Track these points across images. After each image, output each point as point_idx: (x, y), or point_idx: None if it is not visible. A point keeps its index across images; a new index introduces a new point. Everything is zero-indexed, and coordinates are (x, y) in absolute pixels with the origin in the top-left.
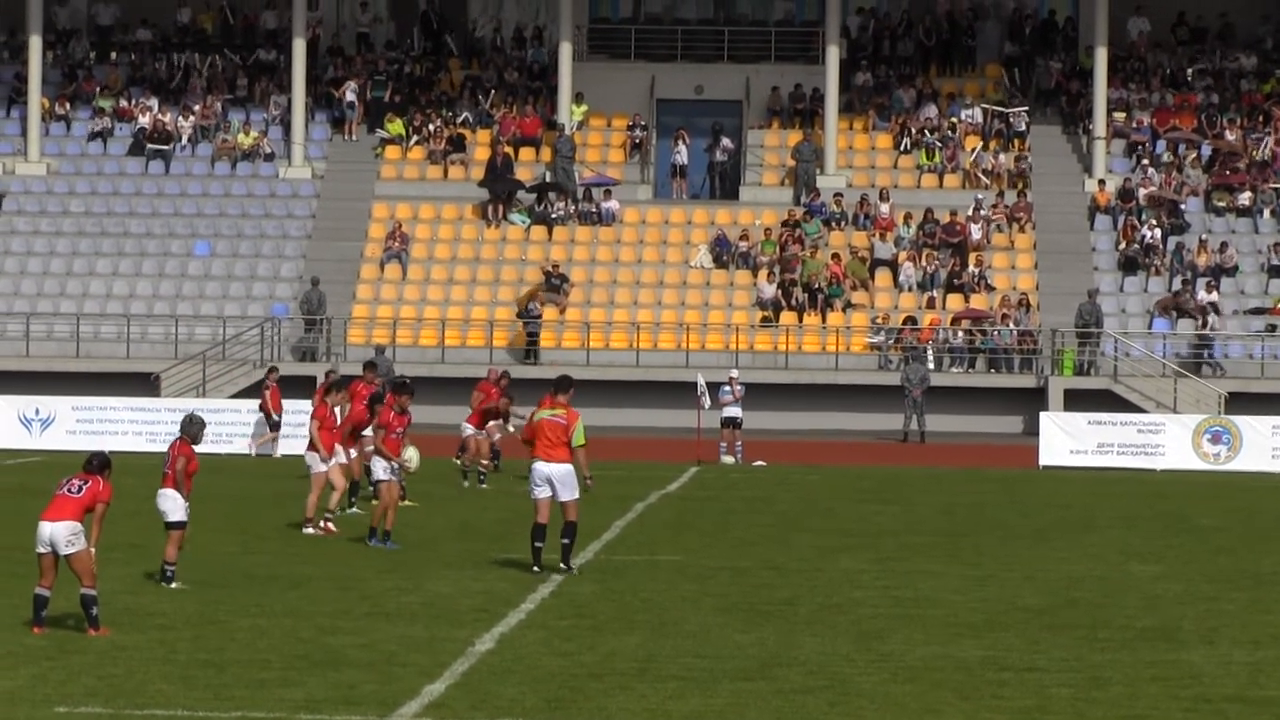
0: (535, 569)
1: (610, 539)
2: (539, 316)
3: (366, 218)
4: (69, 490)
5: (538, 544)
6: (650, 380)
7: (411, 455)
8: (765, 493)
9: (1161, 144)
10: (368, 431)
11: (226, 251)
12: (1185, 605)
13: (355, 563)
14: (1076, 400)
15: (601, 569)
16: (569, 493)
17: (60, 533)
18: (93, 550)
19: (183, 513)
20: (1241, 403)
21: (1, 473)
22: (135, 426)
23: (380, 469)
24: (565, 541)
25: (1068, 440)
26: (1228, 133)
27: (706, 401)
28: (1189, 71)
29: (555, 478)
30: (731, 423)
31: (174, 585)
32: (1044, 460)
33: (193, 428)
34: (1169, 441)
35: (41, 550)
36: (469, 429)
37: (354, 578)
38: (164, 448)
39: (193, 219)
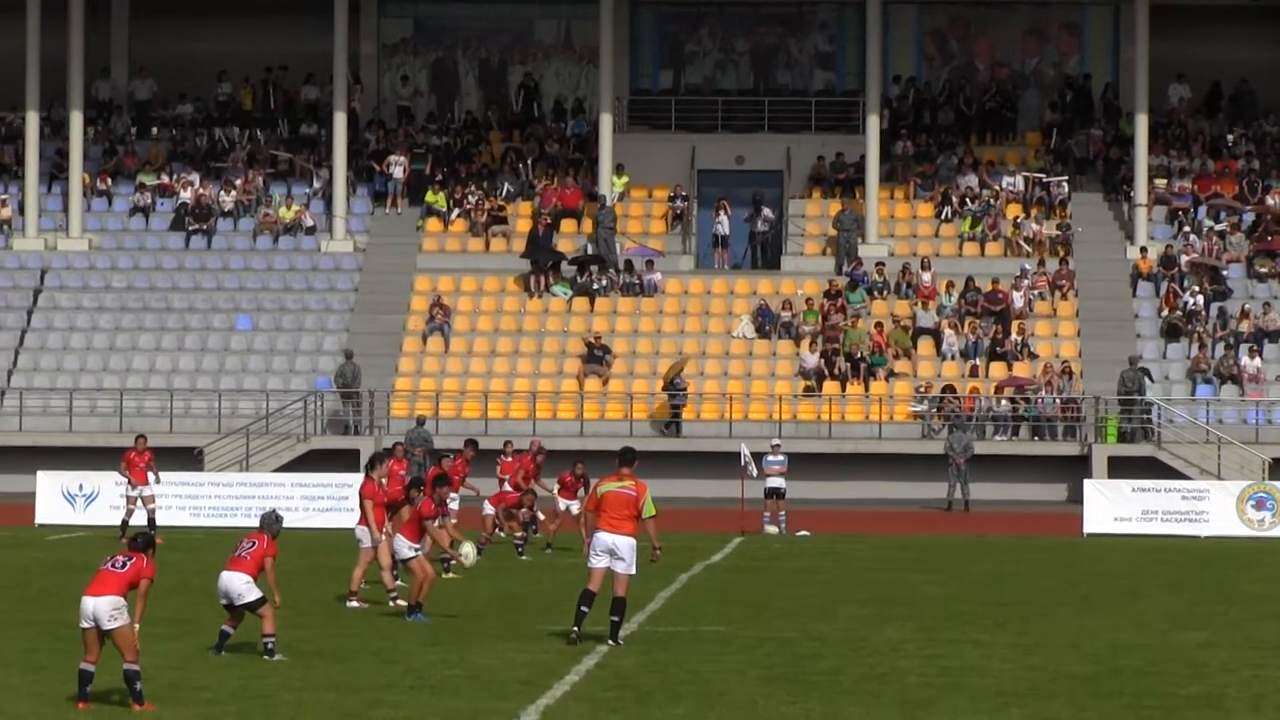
0: (574, 631)
1: (654, 610)
2: (685, 389)
3: (409, 290)
4: (113, 565)
5: (584, 608)
6: (693, 451)
7: (467, 551)
8: (809, 563)
9: (1203, 210)
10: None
11: (269, 325)
12: (1231, 673)
13: (399, 636)
14: (1120, 467)
15: (646, 640)
16: (626, 566)
17: (103, 607)
18: (137, 626)
19: (256, 589)
20: None
21: (45, 547)
22: (179, 501)
23: (405, 547)
24: (614, 619)
25: (1112, 507)
26: (1269, 198)
27: (752, 471)
28: (1229, 138)
29: (620, 549)
30: (775, 493)
31: (276, 657)
32: (1088, 528)
33: (275, 525)
34: (1213, 508)
35: (85, 625)
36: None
37: (398, 651)
38: (207, 521)
39: (235, 293)
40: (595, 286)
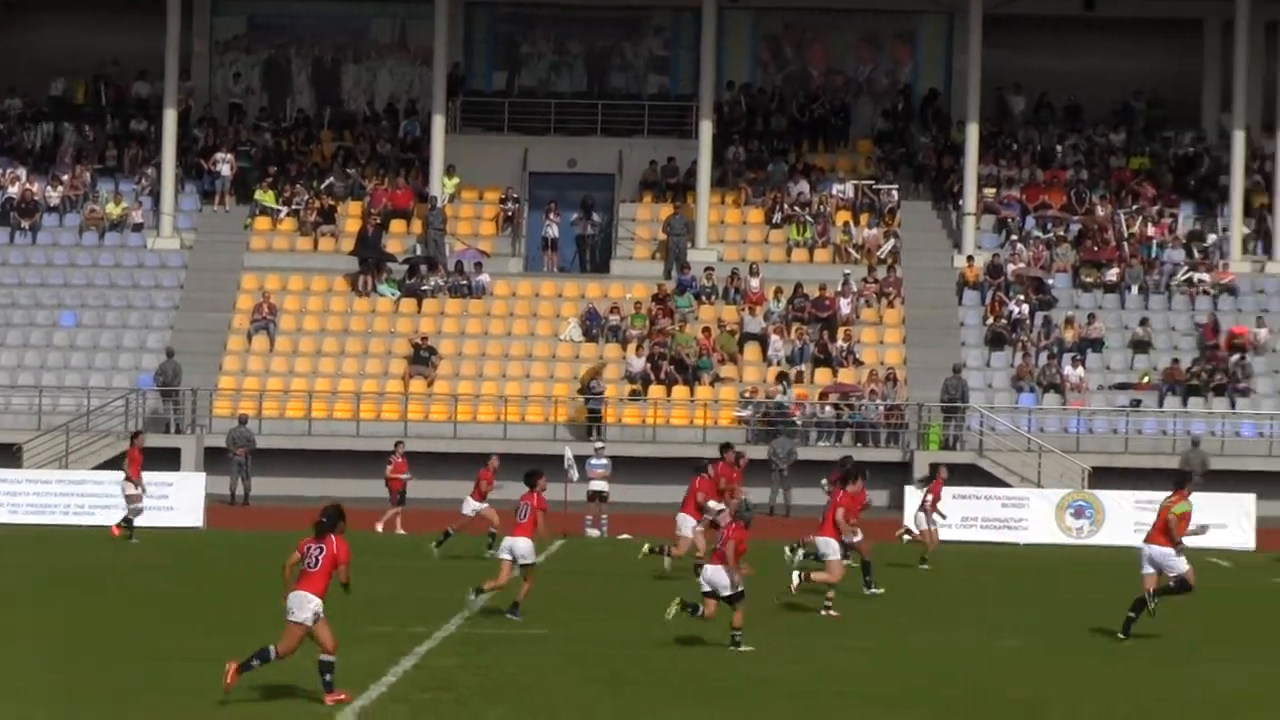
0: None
1: (473, 612)
2: (602, 393)
3: (235, 288)
4: (309, 565)
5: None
6: (517, 453)
7: None
8: (631, 566)
9: (1031, 220)
10: None
11: (93, 322)
12: (1050, 675)
13: (214, 636)
14: None
15: (465, 641)
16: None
17: (298, 603)
18: (347, 581)
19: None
20: (1104, 477)
21: None
22: None
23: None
24: None
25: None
26: (1097, 209)
27: (574, 474)
28: (1059, 148)
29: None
30: (598, 496)
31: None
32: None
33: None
34: (1032, 515)
35: (291, 619)
36: (689, 521)
37: (214, 651)
38: (25, 519)
39: (59, 289)
40: (424, 288)
